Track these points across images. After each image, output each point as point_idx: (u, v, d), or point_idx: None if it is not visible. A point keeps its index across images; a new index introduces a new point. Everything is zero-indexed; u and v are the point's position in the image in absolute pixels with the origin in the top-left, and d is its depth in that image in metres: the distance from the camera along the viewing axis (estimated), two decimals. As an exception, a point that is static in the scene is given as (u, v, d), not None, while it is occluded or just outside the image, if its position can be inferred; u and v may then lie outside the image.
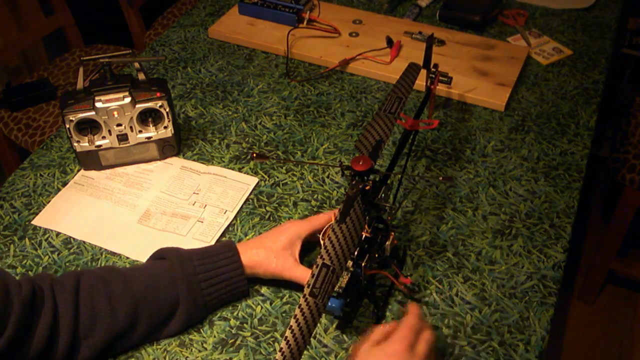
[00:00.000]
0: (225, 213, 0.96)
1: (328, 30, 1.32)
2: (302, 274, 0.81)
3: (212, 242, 0.91)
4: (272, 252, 0.82)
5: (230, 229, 0.94)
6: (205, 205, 0.97)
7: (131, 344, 0.78)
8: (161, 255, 0.81)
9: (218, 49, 1.33)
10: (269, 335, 0.81)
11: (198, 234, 0.93)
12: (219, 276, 0.80)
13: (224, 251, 0.81)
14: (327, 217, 0.87)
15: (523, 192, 1.00)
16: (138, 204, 0.98)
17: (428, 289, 0.86)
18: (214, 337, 0.81)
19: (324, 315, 0.83)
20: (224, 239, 0.93)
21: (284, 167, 1.05)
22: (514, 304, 0.84)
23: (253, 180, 1.01)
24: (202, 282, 0.79)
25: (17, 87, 1.74)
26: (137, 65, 0.98)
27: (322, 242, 0.88)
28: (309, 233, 0.85)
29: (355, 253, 0.78)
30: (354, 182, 0.70)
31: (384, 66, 1.24)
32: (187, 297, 0.78)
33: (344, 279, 0.77)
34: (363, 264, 0.78)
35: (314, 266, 0.62)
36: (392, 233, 0.81)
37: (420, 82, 1.07)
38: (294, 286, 0.86)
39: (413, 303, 0.75)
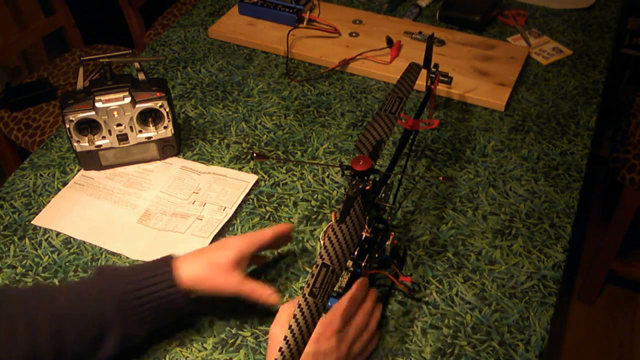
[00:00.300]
0: (224, 210, 0.96)
1: (328, 30, 1.32)
2: (255, 288, 0.77)
3: (210, 238, 0.91)
4: (218, 267, 0.76)
5: (230, 229, 0.94)
6: (205, 204, 0.97)
7: None
8: (96, 272, 0.77)
9: (218, 49, 1.33)
10: (268, 335, 0.81)
11: (197, 231, 0.93)
12: (150, 294, 0.74)
13: (159, 266, 0.76)
14: (272, 233, 0.82)
15: (523, 192, 1.00)
16: (138, 204, 0.98)
17: (428, 288, 0.86)
18: (214, 337, 0.81)
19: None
20: (223, 238, 0.93)
21: (284, 167, 1.05)
22: (514, 304, 0.84)
23: (252, 178, 1.01)
24: (133, 301, 0.73)
25: (17, 87, 1.74)
26: (137, 65, 0.98)
27: (322, 241, 0.88)
28: (255, 250, 0.80)
29: (355, 253, 0.78)
30: (354, 182, 0.70)
31: (384, 66, 1.24)
32: (117, 316, 0.72)
33: (344, 279, 0.77)
34: (363, 264, 0.78)
35: (314, 266, 0.62)
36: (392, 233, 0.81)
37: (421, 82, 1.07)
38: (294, 286, 0.86)
39: (358, 282, 0.75)
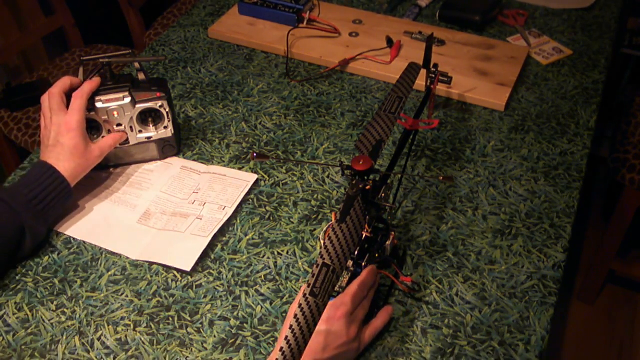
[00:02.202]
0: (224, 209, 0.96)
1: (328, 30, 1.32)
2: (108, 141, 0.96)
3: (210, 237, 0.91)
4: (78, 152, 0.91)
5: (231, 228, 0.94)
6: (205, 203, 0.97)
7: None
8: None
9: (218, 49, 1.33)
10: (269, 335, 0.81)
11: (197, 230, 0.93)
12: (49, 195, 0.88)
13: (44, 172, 0.89)
14: (80, 81, 0.95)
15: (523, 192, 1.00)
16: (138, 204, 0.98)
17: (428, 288, 0.86)
18: (214, 337, 0.81)
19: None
20: (224, 238, 0.93)
21: (284, 167, 1.05)
22: (514, 303, 0.84)
23: (252, 177, 1.01)
24: (37, 206, 0.87)
25: (17, 87, 1.74)
26: (137, 65, 0.98)
27: (322, 241, 0.88)
28: (86, 104, 0.93)
29: (356, 253, 0.78)
30: (354, 182, 0.70)
31: (384, 66, 1.24)
32: (30, 224, 0.87)
33: (344, 279, 0.77)
34: (363, 264, 0.78)
35: (314, 266, 0.62)
36: (392, 233, 0.81)
37: (420, 82, 1.07)
38: (294, 286, 0.86)
39: (369, 268, 0.78)
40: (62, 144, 0.91)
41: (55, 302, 0.85)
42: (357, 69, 1.25)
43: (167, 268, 0.89)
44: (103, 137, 0.97)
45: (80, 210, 0.97)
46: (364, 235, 0.78)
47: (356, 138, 1.10)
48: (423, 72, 1.01)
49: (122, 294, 0.86)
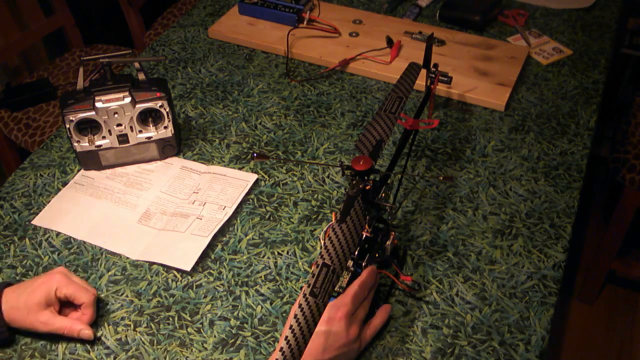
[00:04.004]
0: (224, 209, 0.96)
1: (328, 30, 1.32)
2: (63, 326, 0.79)
3: (210, 237, 0.91)
4: (29, 307, 0.79)
5: (231, 228, 0.94)
6: (205, 203, 0.97)
7: None
8: None
9: (218, 49, 1.33)
10: (269, 335, 0.81)
11: (196, 230, 0.93)
12: None
13: None
14: (88, 297, 0.81)
15: (523, 192, 1.00)
16: (138, 204, 0.98)
17: (428, 288, 0.86)
18: (214, 337, 0.81)
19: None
20: (224, 238, 0.93)
21: (284, 167, 1.05)
22: (514, 303, 0.84)
23: (252, 177, 1.01)
24: None
25: (17, 87, 1.74)
26: (137, 65, 0.98)
27: (322, 241, 0.88)
28: (62, 298, 0.80)
29: (356, 253, 0.78)
30: (354, 182, 0.70)
31: (384, 66, 1.24)
32: None
33: (344, 279, 0.77)
34: (363, 264, 0.79)
35: (314, 266, 0.62)
36: (393, 233, 0.81)
37: (420, 82, 1.07)
38: (294, 286, 0.86)
39: (369, 269, 0.78)
40: (23, 292, 0.80)
41: (55, 302, 0.85)
42: (357, 69, 1.25)
43: (167, 268, 0.89)
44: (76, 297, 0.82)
45: (80, 210, 0.97)
46: (364, 235, 0.79)
47: (356, 138, 1.10)
48: (423, 72, 1.01)
49: (122, 294, 0.86)
